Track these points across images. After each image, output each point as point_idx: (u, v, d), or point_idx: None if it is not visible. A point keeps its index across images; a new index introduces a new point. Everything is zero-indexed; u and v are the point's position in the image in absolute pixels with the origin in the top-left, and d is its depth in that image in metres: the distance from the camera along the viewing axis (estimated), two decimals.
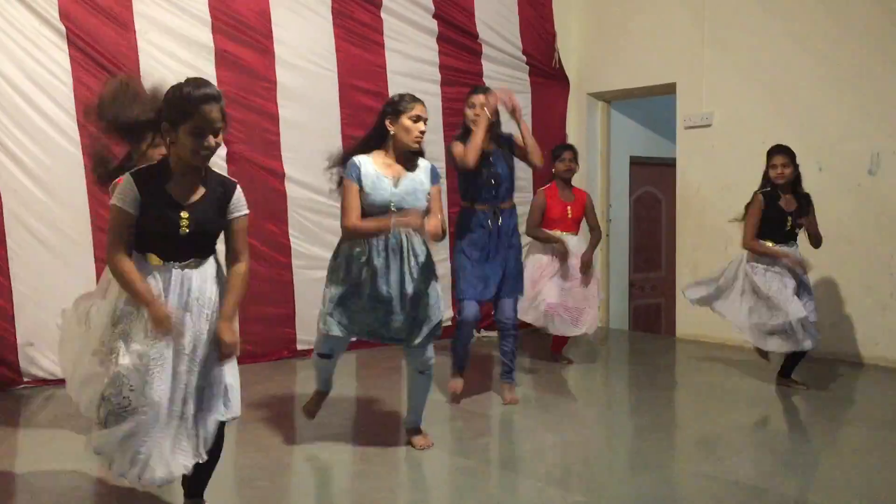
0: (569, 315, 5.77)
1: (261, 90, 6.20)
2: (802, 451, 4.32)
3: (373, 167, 3.85)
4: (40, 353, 5.31)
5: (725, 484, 3.65)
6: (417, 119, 3.86)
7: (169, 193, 2.80)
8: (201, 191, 2.86)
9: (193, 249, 2.86)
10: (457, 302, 4.94)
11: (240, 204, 2.96)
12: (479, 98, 4.82)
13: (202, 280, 2.89)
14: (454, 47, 7.25)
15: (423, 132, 3.88)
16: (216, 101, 2.77)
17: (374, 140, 3.96)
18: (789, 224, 5.15)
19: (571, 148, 6.07)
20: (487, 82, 7.46)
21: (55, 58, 5.38)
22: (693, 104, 7.23)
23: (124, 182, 2.80)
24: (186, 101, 2.73)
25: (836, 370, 5.97)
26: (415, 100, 3.91)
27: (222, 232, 2.96)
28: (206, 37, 5.94)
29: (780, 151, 5.15)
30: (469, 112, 4.84)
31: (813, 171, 5.75)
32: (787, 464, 4.04)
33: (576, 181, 7.38)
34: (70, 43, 5.41)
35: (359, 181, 3.80)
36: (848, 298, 6.28)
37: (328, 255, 6.43)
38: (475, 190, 4.84)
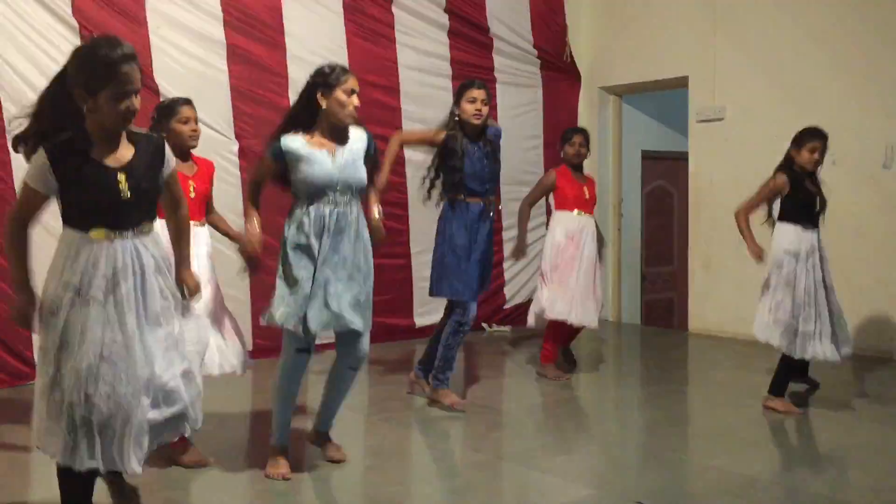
0: (592, 304, 5.55)
1: (272, 85, 6.21)
2: (816, 446, 4.31)
3: (304, 143, 3.56)
4: None
5: (739, 478, 3.64)
6: (352, 92, 3.57)
7: (96, 160, 2.58)
8: (130, 150, 2.65)
9: (138, 215, 2.64)
10: (454, 303, 4.68)
11: (170, 157, 2.80)
12: (479, 93, 4.61)
13: (156, 245, 2.70)
14: (465, 42, 7.24)
15: (357, 106, 3.60)
16: (134, 61, 2.56)
17: (304, 117, 3.61)
18: (818, 206, 4.74)
19: (582, 132, 5.73)
20: (499, 76, 7.47)
21: (68, 53, 5.38)
22: (705, 98, 7.20)
23: (36, 158, 2.56)
24: (105, 64, 2.51)
25: (850, 365, 5.93)
26: (346, 71, 3.62)
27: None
28: (217, 32, 5.96)
29: (821, 136, 4.68)
30: (469, 107, 4.60)
31: (827, 165, 5.67)
32: (801, 459, 4.03)
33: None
34: (83, 38, 5.41)
35: (281, 157, 3.55)
36: (861, 293, 6.23)
37: None
38: (466, 182, 4.62)
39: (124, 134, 2.67)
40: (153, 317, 2.64)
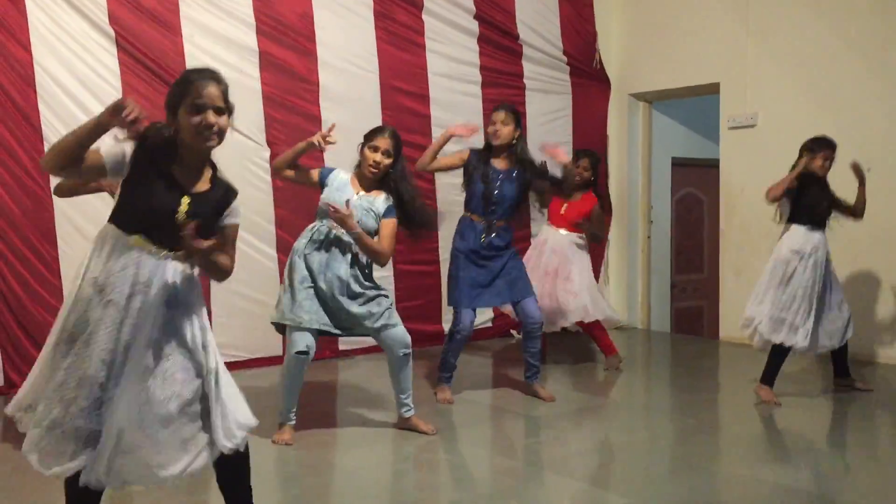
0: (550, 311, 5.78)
1: (303, 92, 6.25)
2: (850, 455, 4.24)
3: (346, 177, 4.28)
4: None
5: (772, 487, 3.60)
6: (375, 149, 4.18)
7: (172, 174, 2.60)
8: (206, 185, 2.66)
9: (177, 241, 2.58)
10: (454, 312, 4.96)
11: (235, 212, 2.76)
12: (498, 115, 4.92)
13: (175, 274, 2.60)
14: (495, 48, 7.25)
15: (377, 162, 4.17)
16: (214, 80, 2.61)
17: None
18: (825, 210, 5.15)
19: (590, 155, 6.02)
20: (528, 83, 7.47)
21: (104, 61, 5.48)
22: (737, 104, 7.14)
23: (122, 145, 2.53)
24: (184, 79, 2.61)
25: (889, 374, 5.86)
26: (380, 131, 4.26)
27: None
28: (250, 40, 6.02)
29: (831, 146, 5.15)
30: (490, 128, 4.97)
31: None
32: (834, 467, 3.97)
33: (617, 182, 7.31)
34: (119, 47, 5.50)
35: (324, 178, 4.28)
36: (893, 298, 6.15)
37: None
38: (473, 201, 4.95)
39: (210, 172, 2.69)
40: (153, 341, 2.56)
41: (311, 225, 4.25)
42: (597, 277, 6.54)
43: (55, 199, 5.31)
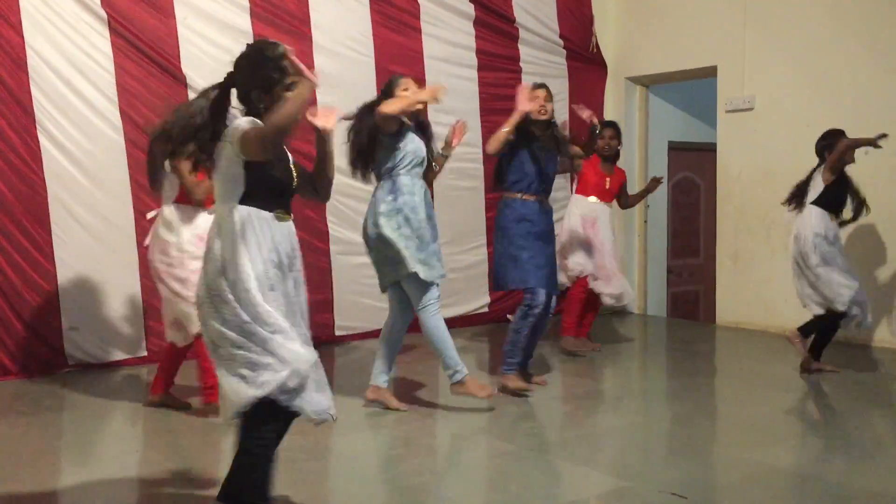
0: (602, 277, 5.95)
1: None
2: (846, 438, 4.25)
3: None
4: (84, 337, 5.39)
5: (771, 470, 3.60)
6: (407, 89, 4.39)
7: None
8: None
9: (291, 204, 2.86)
10: (523, 292, 4.77)
11: None
12: (541, 92, 4.80)
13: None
14: (491, 32, 7.20)
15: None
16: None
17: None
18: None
19: (612, 125, 6.14)
20: (524, 67, 7.42)
21: (97, 44, 5.43)
22: (734, 87, 7.11)
23: (253, 122, 2.70)
24: (279, 60, 2.76)
25: (881, 356, 5.86)
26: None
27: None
28: (244, 22, 5.96)
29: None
30: (534, 105, 4.70)
31: (859, 155, 5.61)
32: (832, 450, 3.98)
33: None
34: (111, 29, 5.46)
35: None
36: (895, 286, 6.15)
37: None
38: (526, 181, 4.75)
39: None
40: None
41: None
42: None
43: (49, 183, 5.29)
